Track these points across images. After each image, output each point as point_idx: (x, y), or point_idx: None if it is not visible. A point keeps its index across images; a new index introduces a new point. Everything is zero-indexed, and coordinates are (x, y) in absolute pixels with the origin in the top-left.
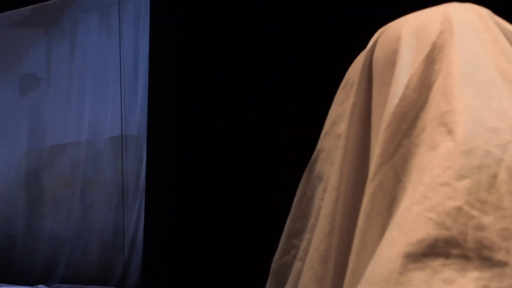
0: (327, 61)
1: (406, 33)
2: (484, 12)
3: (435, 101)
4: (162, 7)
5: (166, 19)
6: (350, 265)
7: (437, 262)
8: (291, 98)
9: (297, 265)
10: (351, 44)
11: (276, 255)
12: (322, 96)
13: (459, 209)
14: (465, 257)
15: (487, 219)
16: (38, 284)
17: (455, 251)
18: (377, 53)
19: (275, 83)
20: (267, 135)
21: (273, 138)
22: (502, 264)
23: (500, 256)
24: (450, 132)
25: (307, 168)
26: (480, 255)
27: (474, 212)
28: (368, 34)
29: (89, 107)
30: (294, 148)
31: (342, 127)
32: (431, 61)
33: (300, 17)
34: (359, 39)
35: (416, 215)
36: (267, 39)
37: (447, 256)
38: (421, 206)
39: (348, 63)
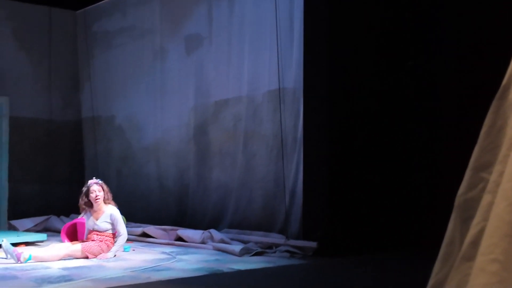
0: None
1: None
2: None
3: None
4: None
5: None
6: None
7: None
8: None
9: (486, 198)
10: None
11: (461, 190)
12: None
13: None
14: None
15: None
16: (210, 228)
17: None
18: None
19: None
20: (425, 89)
21: (431, 92)
22: None
23: None
24: None
25: (497, 96)
26: None
27: None
28: None
29: (248, 63)
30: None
31: None
32: None
33: None
34: None
35: None
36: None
37: None
38: None
39: None
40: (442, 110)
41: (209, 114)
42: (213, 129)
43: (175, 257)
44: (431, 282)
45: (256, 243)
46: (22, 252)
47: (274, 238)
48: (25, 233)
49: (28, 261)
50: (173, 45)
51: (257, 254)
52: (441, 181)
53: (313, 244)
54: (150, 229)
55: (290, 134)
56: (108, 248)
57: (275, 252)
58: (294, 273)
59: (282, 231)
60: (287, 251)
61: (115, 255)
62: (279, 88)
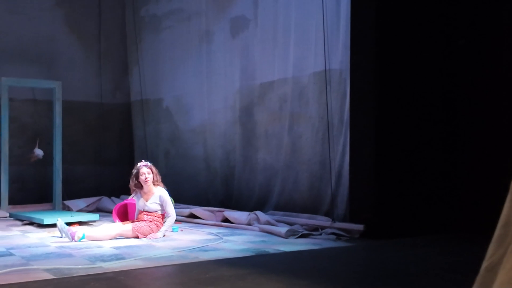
0: None
1: None
2: None
3: None
4: None
5: None
6: None
7: None
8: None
9: None
10: None
11: None
12: None
13: None
14: None
15: None
16: (256, 210)
17: None
18: None
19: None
20: (476, 70)
21: (482, 72)
22: None
23: None
24: None
25: None
26: None
27: None
28: None
29: (294, 44)
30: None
31: None
32: None
33: None
34: None
35: None
36: None
37: None
38: None
39: None
40: (493, 90)
41: (255, 96)
42: (258, 111)
43: (222, 238)
44: (485, 264)
45: (302, 225)
46: (76, 231)
47: (320, 220)
48: (78, 213)
49: (82, 240)
50: (218, 27)
51: (303, 236)
52: (495, 162)
53: (359, 227)
54: (198, 210)
55: (337, 115)
56: (157, 228)
57: (321, 234)
58: (340, 255)
59: (328, 213)
60: (333, 233)
61: (164, 235)
62: (325, 70)
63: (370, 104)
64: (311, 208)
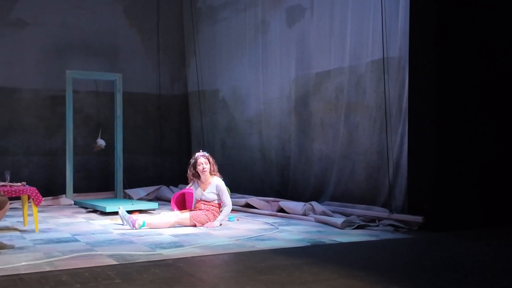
0: None
1: None
2: None
3: None
4: None
5: None
6: None
7: None
8: None
9: None
10: None
11: None
12: None
13: None
14: None
15: None
16: (311, 200)
17: None
18: None
19: None
20: None
21: None
22: None
23: None
24: None
25: None
26: None
27: None
28: None
29: (351, 33)
30: None
31: None
32: None
33: None
34: None
35: None
36: None
37: None
38: None
39: None
40: None
41: (311, 86)
42: (314, 101)
43: (277, 228)
44: None
45: (359, 216)
46: (136, 219)
47: (377, 211)
48: (138, 201)
49: (142, 228)
50: (274, 17)
51: (359, 227)
52: None
53: (418, 218)
54: (253, 200)
55: (395, 104)
56: (214, 217)
57: (378, 225)
58: (398, 247)
59: (386, 205)
60: (390, 225)
61: (220, 224)
62: (383, 58)
63: (430, 92)
64: (368, 199)
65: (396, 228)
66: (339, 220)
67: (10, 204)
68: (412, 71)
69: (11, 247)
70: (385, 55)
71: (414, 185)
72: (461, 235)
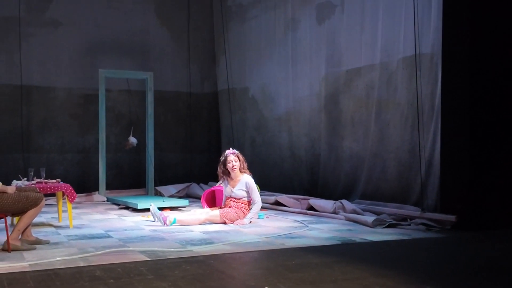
0: None
1: None
2: None
3: None
4: None
5: None
6: None
7: None
8: None
9: None
10: None
11: None
12: None
13: None
14: None
15: None
16: (341, 199)
17: None
18: None
19: None
20: None
21: None
22: None
23: None
24: None
25: None
26: None
27: None
28: None
29: (382, 29)
30: None
31: None
32: None
33: None
34: None
35: None
36: None
37: None
38: None
39: None
40: None
41: (341, 83)
42: (344, 98)
43: (307, 226)
44: None
45: (390, 215)
46: (167, 216)
47: (409, 210)
48: (169, 198)
49: (173, 224)
50: (304, 14)
51: (391, 226)
52: None
53: (451, 218)
54: (283, 197)
55: (427, 101)
56: (244, 215)
57: (409, 224)
58: (430, 246)
59: (418, 203)
60: (423, 224)
61: (250, 221)
62: (416, 54)
63: (463, 89)
64: (399, 198)
65: (428, 227)
66: (369, 218)
67: (46, 200)
68: (445, 68)
69: (47, 243)
70: (417, 52)
71: (447, 184)
72: (495, 234)
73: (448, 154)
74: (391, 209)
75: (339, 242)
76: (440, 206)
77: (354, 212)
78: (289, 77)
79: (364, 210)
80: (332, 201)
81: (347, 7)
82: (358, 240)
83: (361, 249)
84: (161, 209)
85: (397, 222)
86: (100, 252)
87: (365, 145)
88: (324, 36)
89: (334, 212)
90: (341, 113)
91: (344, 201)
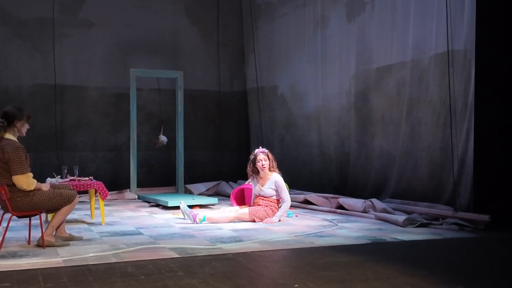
0: None
1: None
2: None
3: None
4: None
5: None
6: None
7: None
8: None
9: None
10: None
11: None
12: None
13: None
14: None
15: None
16: (371, 198)
17: None
18: None
19: None
20: None
21: None
22: None
23: None
24: None
25: None
26: None
27: None
28: None
29: (413, 26)
30: None
31: None
32: None
33: None
34: None
35: None
36: None
37: None
38: None
39: None
40: None
41: (371, 81)
42: (374, 96)
43: (337, 225)
44: None
45: (421, 214)
46: (197, 214)
47: (441, 209)
48: (199, 196)
49: (203, 222)
50: (334, 12)
51: (422, 225)
52: None
53: (485, 217)
54: (312, 196)
55: (460, 99)
56: (273, 213)
57: (441, 224)
58: (463, 246)
59: (450, 203)
60: (455, 223)
61: (279, 220)
62: (448, 51)
63: (497, 86)
64: (431, 197)
65: (461, 227)
66: (400, 217)
67: (79, 197)
68: (478, 65)
69: (80, 239)
70: (449, 48)
71: (481, 183)
72: None
73: (482, 152)
74: (423, 208)
75: (369, 241)
76: (473, 206)
77: (385, 211)
78: (319, 75)
79: (394, 209)
80: (362, 200)
81: (378, 3)
82: (388, 239)
83: (392, 248)
84: (191, 206)
85: (428, 221)
86: (131, 248)
87: (396, 144)
88: (354, 33)
89: (364, 211)
90: (371, 111)
91: (374, 200)
